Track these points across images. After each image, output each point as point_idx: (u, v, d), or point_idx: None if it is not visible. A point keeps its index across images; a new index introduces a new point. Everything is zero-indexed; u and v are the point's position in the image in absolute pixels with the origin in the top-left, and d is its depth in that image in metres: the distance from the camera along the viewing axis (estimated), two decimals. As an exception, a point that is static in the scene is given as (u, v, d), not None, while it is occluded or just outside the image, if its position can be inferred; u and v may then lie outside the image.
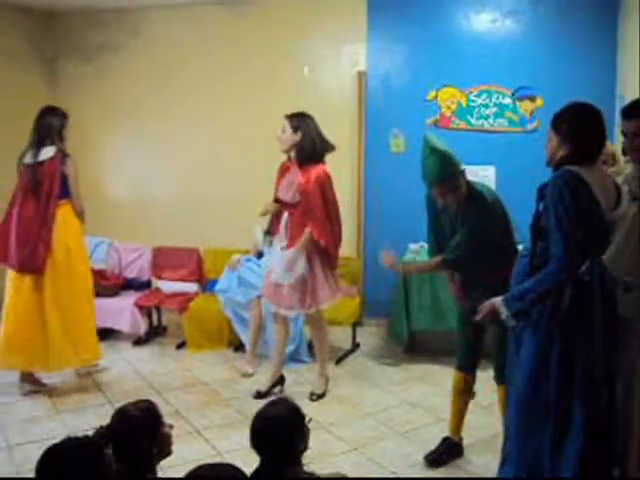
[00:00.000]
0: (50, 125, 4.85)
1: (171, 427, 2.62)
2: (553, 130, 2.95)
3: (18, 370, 4.98)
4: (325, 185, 4.63)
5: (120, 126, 6.91)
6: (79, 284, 4.94)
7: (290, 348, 5.45)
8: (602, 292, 2.81)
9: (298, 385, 5.10)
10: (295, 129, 4.63)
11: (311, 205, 4.60)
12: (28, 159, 4.85)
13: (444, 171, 3.66)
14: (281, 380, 4.99)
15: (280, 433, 2.51)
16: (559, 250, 2.73)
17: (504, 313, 2.89)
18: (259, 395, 4.84)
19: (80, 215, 4.95)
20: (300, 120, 4.67)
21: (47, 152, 4.81)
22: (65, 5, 6.79)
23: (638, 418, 2.96)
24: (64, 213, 4.86)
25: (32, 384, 5.00)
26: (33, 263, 4.75)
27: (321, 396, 4.87)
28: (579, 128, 2.87)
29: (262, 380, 5.08)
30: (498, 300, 2.93)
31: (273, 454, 2.50)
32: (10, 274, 4.88)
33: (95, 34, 7.07)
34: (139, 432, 2.47)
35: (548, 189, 2.80)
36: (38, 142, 4.84)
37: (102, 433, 2.43)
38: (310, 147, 4.63)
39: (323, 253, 4.71)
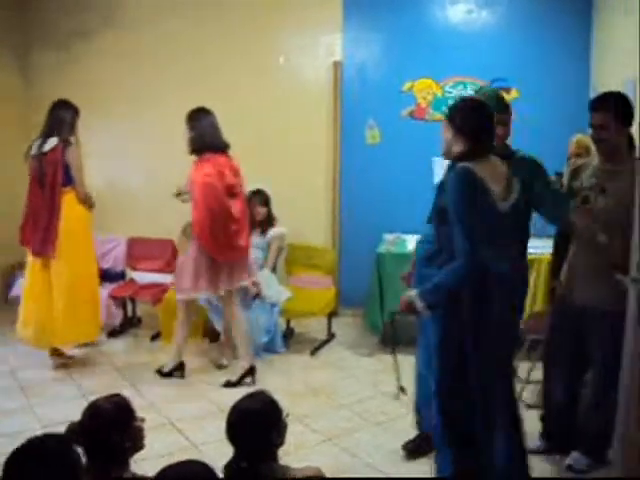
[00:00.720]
0: (61, 118, 5.09)
1: (142, 420, 2.60)
2: (448, 123, 3.03)
3: (30, 344, 5.27)
4: (210, 177, 4.72)
5: (95, 114, 6.75)
6: (81, 268, 5.16)
7: (264, 339, 5.45)
8: (498, 275, 2.95)
9: (272, 376, 5.09)
10: (190, 128, 4.83)
11: (193, 195, 4.78)
12: (34, 150, 5.08)
13: (500, 100, 3.46)
14: (251, 371, 4.98)
15: (255, 426, 2.51)
16: (465, 246, 2.85)
17: (419, 305, 2.99)
18: (228, 384, 4.88)
19: (85, 201, 5.17)
20: (192, 116, 4.87)
21: (51, 142, 5.05)
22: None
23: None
24: (68, 200, 5.08)
25: (59, 357, 5.33)
26: (45, 249, 5.07)
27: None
28: (472, 124, 2.99)
29: (236, 371, 5.09)
30: (413, 294, 3.03)
31: (248, 447, 2.49)
32: (29, 257, 5.22)
33: (67, 20, 6.94)
34: (111, 427, 2.45)
35: (448, 186, 2.93)
36: (46, 134, 5.09)
37: (74, 429, 2.41)
38: (195, 140, 4.80)
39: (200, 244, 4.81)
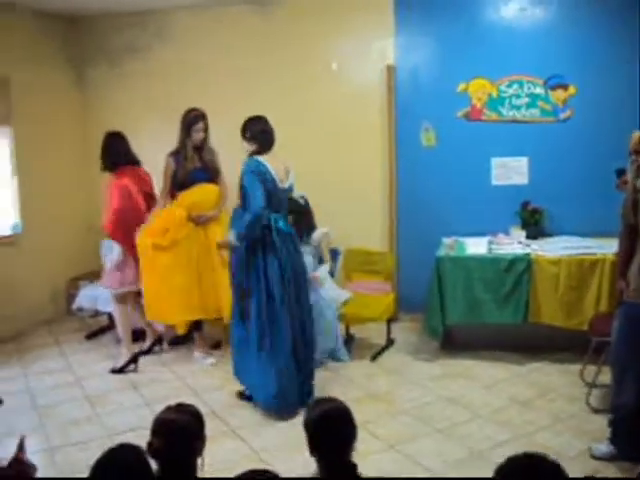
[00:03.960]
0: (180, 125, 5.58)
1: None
2: (241, 134, 4.63)
3: None
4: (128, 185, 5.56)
5: (144, 127, 6.84)
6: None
7: (329, 346, 5.41)
8: (278, 232, 4.50)
9: (333, 383, 5.06)
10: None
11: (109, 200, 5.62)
12: None
13: None
14: (135, 358, 5.56)
15: (346, 424, 2.50)
16: (250, 205, 4.39)
17: (232, 240, 4.58)
18: (114, 371, 5.48)
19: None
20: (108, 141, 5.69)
21: None
22: (90, 10, 6.85)
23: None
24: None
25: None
26: None
27: (118, 371, 5.49)
28: (253, 132, 4.58)
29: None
30: (230, 235, 4.63)
31: (338, 450, 2.46)
32: None
33: (120, 37, 7.12)
34: (189, 438, 2.44)
35: (243, 170, 4.49)
36: None
37: (155, 447, 2.38)
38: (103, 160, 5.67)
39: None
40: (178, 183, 5.51)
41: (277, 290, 4.48)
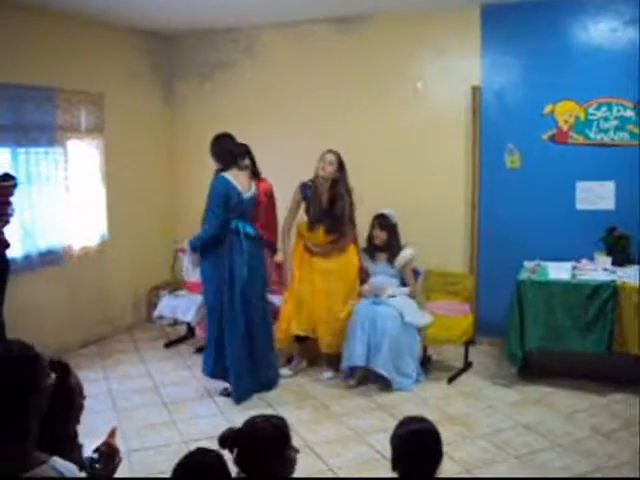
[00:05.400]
0: None
1: (297, 452, 2.53)
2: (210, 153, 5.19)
3: None
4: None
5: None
6: None
7: (403, 369, 5.35)
8: (246, 236, 5.03)
9: (409, 404, 5.03)
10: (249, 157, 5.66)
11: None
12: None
13: None
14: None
15: (433, 446, 2.47)
16: (212, 217, 4.98)
17: (188, 250, 5.23)
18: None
19: None
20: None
21: None
22: (182, 27, 7.05)
23: None
24: None
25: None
26: None
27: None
28: (218, 152, 5.12)
29: (373, 398, 5.08)
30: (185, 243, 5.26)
31: (421, 471, 2.43)
32: None
33: (209, 53, 7.30)
34: (266, 449, 2.42)
35: (213, 186, 5.03)
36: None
37: (228, 435, 2.42)
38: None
39: None
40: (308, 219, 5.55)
41: (239, 287, 5.00)
